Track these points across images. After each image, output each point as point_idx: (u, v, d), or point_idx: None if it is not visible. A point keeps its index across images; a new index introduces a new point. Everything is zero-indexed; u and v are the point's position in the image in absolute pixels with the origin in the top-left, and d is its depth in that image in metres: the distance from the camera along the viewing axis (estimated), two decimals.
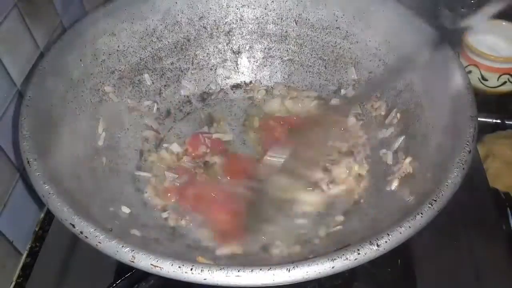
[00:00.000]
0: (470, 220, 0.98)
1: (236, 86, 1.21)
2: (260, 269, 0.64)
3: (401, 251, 0.77)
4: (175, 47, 1.16)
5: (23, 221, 1.03)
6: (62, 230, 0.75)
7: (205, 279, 0.64)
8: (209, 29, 1.17)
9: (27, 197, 1.03)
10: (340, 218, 0.95)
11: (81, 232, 0.70)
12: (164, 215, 0.96)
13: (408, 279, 0.92)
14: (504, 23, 1.32)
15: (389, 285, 0.93)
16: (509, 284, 0.91)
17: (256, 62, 1.21)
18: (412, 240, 0.70)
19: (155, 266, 0.65)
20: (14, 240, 0.98)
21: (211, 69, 1.20)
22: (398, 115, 1.02)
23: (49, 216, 1.07)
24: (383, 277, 0.93)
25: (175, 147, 1.07)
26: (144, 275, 0.88)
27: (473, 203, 0.99)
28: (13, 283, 0.99)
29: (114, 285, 0.88)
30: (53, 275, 0.95)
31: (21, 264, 1.01)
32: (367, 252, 0.66)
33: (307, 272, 0.64)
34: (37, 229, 1.06)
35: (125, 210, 0.91)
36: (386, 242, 0.67)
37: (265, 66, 1.21)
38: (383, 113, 1.06)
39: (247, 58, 1.21)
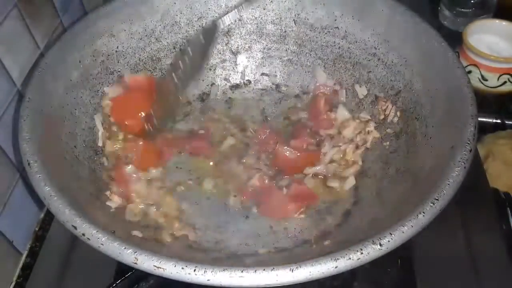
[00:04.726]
0: (470, 220, 0.98)
1: (235, 86, 1.20)
2: (264, 270, 0.64)
3: (401, 251, 0.77)
4: (174, 48, 1.15)
5: (23, 221, 1.03)
6: (62, 230, 0.76)
7: (208, 280, 0.64)
8: None
9: (27, 197, 1.03)
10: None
11: (83, 234, 0.70)
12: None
13: (408, 279, 0.92)
14: (504, 23, 1.33)
15: (389, 285, 0.93)
16: (509, 283, 0.91)
17: (255, 62, 1.21)
18: (412, 240, 0.70)
19: (158, 267, 0.65)
20: (14, 240, 0.98)
21: (210, 69, 1.19)
22: (398, 113, 1.02)
23: (49, 216, 1.07)
24: (383, 277, 0.93)
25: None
26: (144, 275, 0.88)
27: (473, 203, 0.99)
28: (13, 283, 0.99)
29: (114, 285, 0.88)
30: (53, 275, 0.95)
31: (21, 264, 1.01)
32: (370, 252, 0.66)
33: (310, 272, 0.64)
34: (37, 229, 1.06)
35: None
36: (389, 241, 0.67)
37: (264, 66, 1.20)
38: (387, 113, 1.06)
39: (246, 58, 1.21)
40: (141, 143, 1.01)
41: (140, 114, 1.05)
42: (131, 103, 1.07)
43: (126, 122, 1.04)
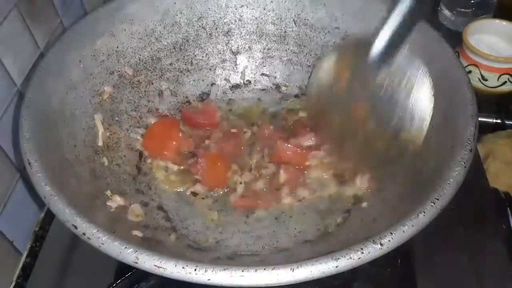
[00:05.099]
0: (470, 220, 0.98)
1: (235, 86, 1.20)
2: (264, 269, 0.64)
3: (401, 251, 0.76)
4: (174, 48, 1.15)
5: (23, 221, 1.03)
6: (62, 230, 0.76)
7: (209, 279, 0.64)
8: (208, 30, 1.17)
9: (27, 197, 1.03)
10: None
11: (84, 234, 0.70)
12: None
13: (408, 279, 0.92)
14: (504, 23, 1.33)
15: (389, 285, 0.93)
16: (509, 284, 0.91)
17: (255, 62, 1.21)
18: (412, 240, 0.70)
19: (158, 267, 0.65)
20: (14, 240, 0.98)
21: (210, 70, 1.19)
22: None
23: (49, 216, 1.07)
24: (383, 277, 0.93)
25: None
26: (144, 275, 0.88)
27: (473, 203, 0.99)
28: (13, 283, 0.99)
29: (114, 285, 0.88)
30: (53, 275, 0.95)
31: (21, 264, 1.01)
32: (371, 251, 0.66)
33: (311, 271, 0.64)
34: (37, 229, 1.06)
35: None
36: (389, 241, 0.67)
37: (264, 66, 1.21)
38: None
39: (246, 58, 1.21)
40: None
41: (173, 143, 1.08)
42: (162, 133, 1.09)
43: (165, 152, 1.07)
